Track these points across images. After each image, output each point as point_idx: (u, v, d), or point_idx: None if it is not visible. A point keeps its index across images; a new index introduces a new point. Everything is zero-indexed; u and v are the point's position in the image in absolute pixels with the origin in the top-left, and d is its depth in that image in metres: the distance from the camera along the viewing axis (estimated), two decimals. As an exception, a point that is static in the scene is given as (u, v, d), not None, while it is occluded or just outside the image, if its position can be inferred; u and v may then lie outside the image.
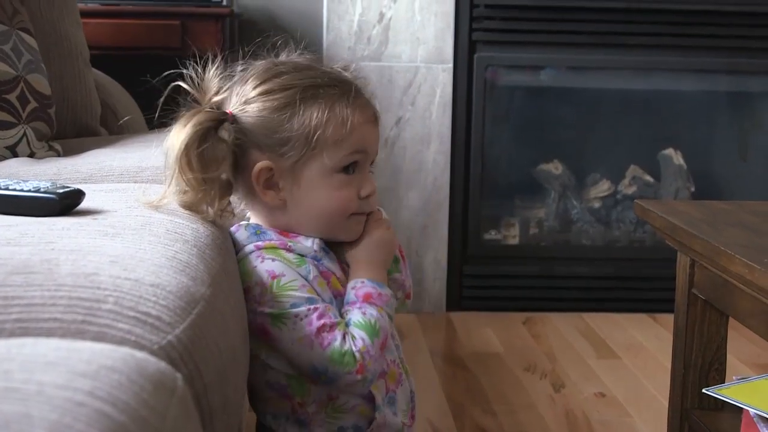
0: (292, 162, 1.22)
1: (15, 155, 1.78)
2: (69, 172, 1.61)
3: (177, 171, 1.19)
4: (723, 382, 1.57)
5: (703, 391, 1.48)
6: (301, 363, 1.20)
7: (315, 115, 1.21)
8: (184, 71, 1.25)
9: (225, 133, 1.21)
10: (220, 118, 1.21)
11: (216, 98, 1.25)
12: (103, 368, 0.67)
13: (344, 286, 1.27)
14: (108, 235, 1.07)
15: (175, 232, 1.13)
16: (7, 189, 1.20)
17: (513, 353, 2.77)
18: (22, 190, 1.19)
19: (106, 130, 2.25)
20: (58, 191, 1.19)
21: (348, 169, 1.24)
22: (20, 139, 1.78)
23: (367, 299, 1.23)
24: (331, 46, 2.98)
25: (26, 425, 0.56)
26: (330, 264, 1.27)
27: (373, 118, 1.28)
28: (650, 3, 3.05)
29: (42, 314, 0.84)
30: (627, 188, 3.36)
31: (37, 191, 1.19)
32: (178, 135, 1.19)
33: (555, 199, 3.34)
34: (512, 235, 3.29)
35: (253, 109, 1.22)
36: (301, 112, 1.21)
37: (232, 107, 1.24)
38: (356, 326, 1.20)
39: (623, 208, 3.33)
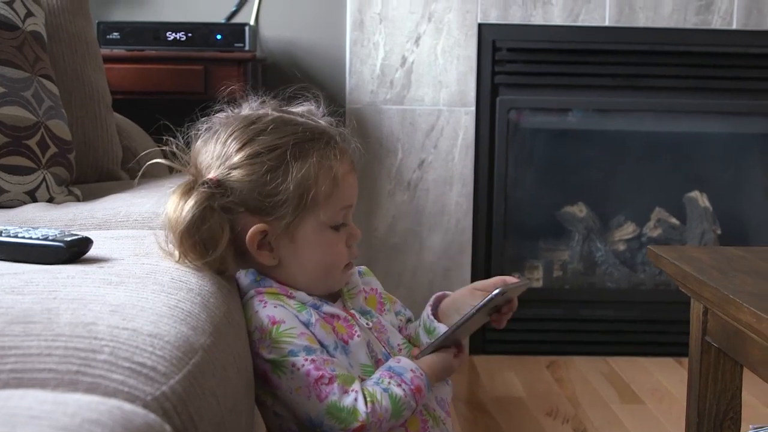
0: (287, 222, 1.22)
1: (34, 200, 1.80)
2: (84, 218, 1.63)
3: (183, 255, 1.19)
4: (738, 431, 1.55)
5: (717, 440, 1.46)
6: (298, 413, 1.20)
7: (307, 172, 1.21)
8: (165, 148, 1.25)
9: (215, 203, 1.20)
10: (212, 191, 1.20)
11: (200, 166, 1.24)
12: (87, 422, 0.68)
13: (350, 329, 1.26)
14: (112, 283, 1.08)
15: (180, 281, 1.13)
16: (16, 237, 1.21)
17: (535, 397, 2.75)
18: (30, 238, 1.21)
19: (127, 173, 2.27)
20: (65, 239, 1.20)
21: (338, 227, 1.26)
22: (39, 184, 1.80)
23: (417, 391, 1.22)
24: (354, 90, 3.00)
25: (-2, 482, 0.56)
26: (331, 308, 1.27)
27: (353, 166, 1.28)
28: (674, 45, 3.05)
29: (37, 364, 0.84)
30: (652, 231, 3.34)
31: (46, 239, 1.20)
32: (177, 217, 1.18)
33: (579, 242, 3.32)
34: (536, 278, 3.28)
35: (241, 173, 1.21)
36: (293, 173, 1.20)
37: (216, 171, 1.22)
38: (390, 398, 1.19)
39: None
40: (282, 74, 3.10)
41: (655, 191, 3.38)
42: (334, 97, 3.07)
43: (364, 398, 1.18)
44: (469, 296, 1.34)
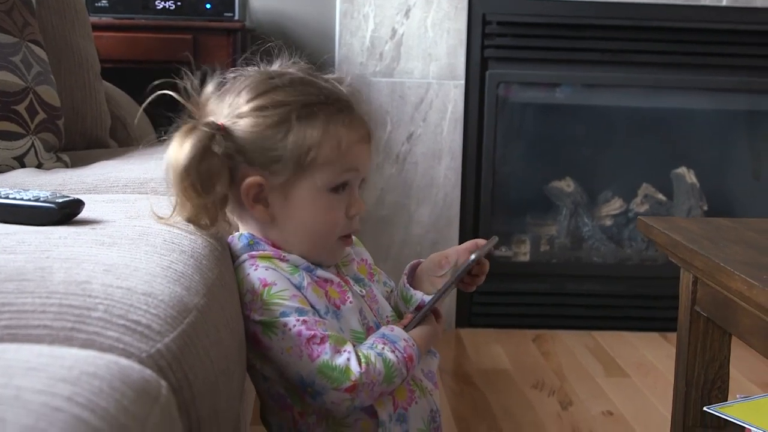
0: (283, 180, 1.21)
1: (23, 166, 1.79)
2: (74, 183, 1.62)
3: (180, 194, 1.20)
4: (726, 400, 1.56)
5: (705, 409, 1.47)
6: (289, 373, 1.19)
7: (310, 134, 1.19)
8: (179, 81, 1.24)
9: (217, 147, 1.19)
10: (213, 132, 1.19)
11: (211, 113, 1.24)
12: (84, 374, 0.67)
13: (342, 294, 1.25)
14: (104, 244, 1.08)
15: (172, 243, 1.13)
16: (7, 198, 1.21)
17: (521, 370, 2.76)
18: (21, 199, 1.20)
19: (115, 141, 2.26)
20: (57, 201, 1.19)
21: (338, 188, 1.23)
22: (28, 150, 1.79)
23: (409, 360, 1.22)
24: (344, 62, 2.99)
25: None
26: (325, 273, 1.26)
27: (367, 137, 1.26)
28: (664, 21, 3.04)
29: (32, 321, 0.84)
30: (639, 206, 3.35)
31: (37, 200, 1.19)
32: (177, 155, 1.18)
33: (566, 217, 3.33)
34: (523, 252, 3.29)
35: (246, 123, 1.20)
36: (295, 131, 1.19)
37: (224, 118, 1.22)
38: (384, 361, 1.19)
39: (635, 226, 3.31)
40: (271, 45, 3.08)
41: (642, 167, 3.39)
42: (322, 69, 3.05)
43: (358, 358, 1.18)
44: (437, 260, 1.36)
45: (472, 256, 1.27)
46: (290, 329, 1.17)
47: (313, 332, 1.17)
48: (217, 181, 1.19)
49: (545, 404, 2.51)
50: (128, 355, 0.82)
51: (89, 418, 0.62)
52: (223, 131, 1.20)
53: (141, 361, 0.82)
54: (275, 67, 1.28)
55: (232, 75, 1.27)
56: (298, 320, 1.17)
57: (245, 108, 1.21)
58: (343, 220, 1.25)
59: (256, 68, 1.28)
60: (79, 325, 0.84)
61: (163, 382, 0.77)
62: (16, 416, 0.58)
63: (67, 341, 0.82)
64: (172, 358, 0.86)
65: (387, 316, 1.33)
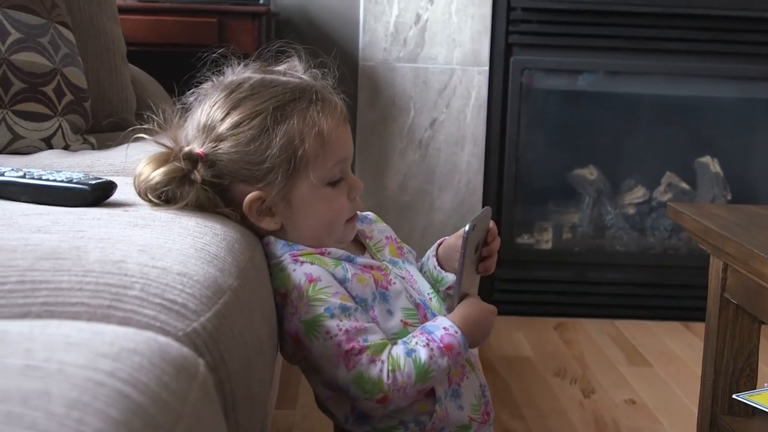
0: (280, 187, 1.21)
1: (50, 147, 1.79)
2: (102, 165, 1.62)
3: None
4: (754, 389, 1.55)
5: (734, 396, 1.46)
6: (326, 377, 1.20)
7: (291, 135, 1.19)
8: (146, 126, 1.24)
9: (196, 176, 1.18)
10: (191, 166, 1.19)
11: (186, 147, 1.21)
12: (125, 350, 0.67)
13: (386, 277, 1.26)
14: (137, 225, 1.08)
15: (205, 226, 1.13)
16: (40, 179, 1.21)
17: (543, 358, 2.76)
18: (55, 180, 1.20)
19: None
20: (90, 182, 1.20)
21: (334, 182, 1.24)
22: (55, 132, 1.80)
23: (447, 349, 1.20)
24: (367, 47, 2.98)
25: (45, 402, 0.56)
26: (366, 260, 1.27)
27: (343, 116, 1.26)
28: (690, 8, 3.02)
29: (69, 298, 0.84)
30: (662, 195, 3.33)
31: (70, 182, 1.20)
32: (147, 178, 1.18)
33: (589, 205, 3.32)
34: (545, 240, 3.28)
35: (227, 145, 1.19)
36: (277, 138, 1.19)
37: (205, 147, 1.21)
38: (414, 362, 1.18)
39: (658, 215, 3.31)
40: (295, 30, 3.08)
41: (666, 155, 3.37)
42: (347, 54, 3.05)
43: (388, 369, 1.17)
44: (450, 252, 1.34)
45: (467, 227, 1.22)
46: (332, 338, 1.17)
47: (352, 344, 1.17)
48: (177, 203, 1.18)
49: (567, 392, 2.50)
50: (165, 333, 0.82)
51: (131, 392, 0.62)
52: (204, 160, 1.20)
53: (178, 339, 0.82)
54: (229, 77, 1.26)
55: (192, 97, 1.27)
56: (340, 329, 1.17)
57: (221, 128, 1.20)
58: (347, 204, 1.26)
59: (211, 83, 1.27)
60: (116, 303, 0.84)
61: (201, 360, 0.77)
62: (61, 390, 0.58)
63: (105, 319, 0.83)
64: (208, 337, 0.86)
65: (428, 293, 1.32)
